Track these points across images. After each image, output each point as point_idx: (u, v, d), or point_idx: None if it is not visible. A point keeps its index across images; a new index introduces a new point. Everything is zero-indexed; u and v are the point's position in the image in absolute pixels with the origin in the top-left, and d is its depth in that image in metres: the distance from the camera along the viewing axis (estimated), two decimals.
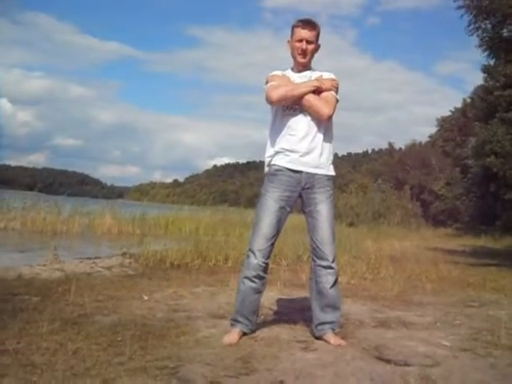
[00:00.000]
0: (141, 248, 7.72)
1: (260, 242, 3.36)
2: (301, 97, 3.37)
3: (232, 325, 3.41)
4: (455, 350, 3.30)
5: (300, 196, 3.45)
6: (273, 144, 3.51)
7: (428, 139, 46.60)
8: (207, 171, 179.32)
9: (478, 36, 11.87)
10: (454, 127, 39.52)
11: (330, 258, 3.40)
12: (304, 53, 3.47)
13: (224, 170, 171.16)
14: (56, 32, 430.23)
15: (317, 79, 3.45)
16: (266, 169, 3.52)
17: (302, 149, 3.38)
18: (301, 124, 3.42)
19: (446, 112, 43.21)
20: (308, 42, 3.46)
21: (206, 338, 3.29)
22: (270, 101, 3.44)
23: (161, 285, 5.44)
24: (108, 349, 2.93)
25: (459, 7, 11.51)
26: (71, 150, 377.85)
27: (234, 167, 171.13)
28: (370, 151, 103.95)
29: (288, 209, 3.45)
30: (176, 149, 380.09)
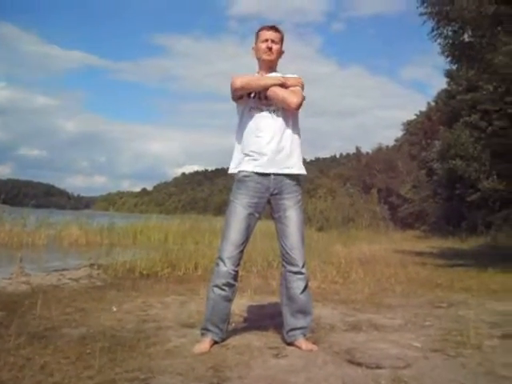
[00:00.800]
0: (109, 258, 7.63)
1: (229, 250, 3.33)
2: (266, 88, 3.40)
3: (202, 334, 3.38)
4: (426, 351, 3.32)
5: (269, 202, 3.43)
6: (240, 146, 3.50)
7: (394, 143, 47.19)
8: (176, 179, 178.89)
9: (440, 43, 12.06)
10: (419, 131, 40.05)
11: (300, 264, 3.39)
12: (270, 50, 3.49)
13: (193, 178, 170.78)
14: (19, 42, 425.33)
15: (282, 77, 3.48)
16: (234, 171, 3.49)
17: (270, 151, 3.37)
18: (268, 125, 3.41)
19: (411, 116, 43.79)
20: (273, 42, 3.50)
21: (176, 348, 3.25)
22: (233, 87, 3.45)
23: (130, 295, 5.37)
24: (76, 362, 2.87)
25: (421, 14, 11.68)
26: (36, 160, 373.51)
27: (203, 175, 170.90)
28: (338, 156, 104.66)
29: (257, 215, 3.43)
30: (144, 158, 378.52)
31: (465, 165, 21.54)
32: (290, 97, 3.39)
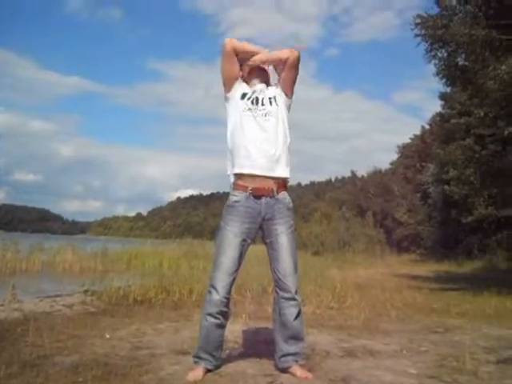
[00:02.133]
0: (103, 284, 7.57)
1: (221, 278, 3.29)
2: (255, 58, 3.57)
3: (195, 362, 3.33)
4: (422, 377, 3.30)
5: (261, 227, 3.41)
6: (232, 158, 3.48)
7: (389, 166, 47.38)
8: (171, 203, 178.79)
9: (435, 64, 12.21)
10: (414, 154, 40.26)
11: (293, 290, 3.36)
12: (258, 67, 3.66)
13: (188, 202, 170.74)
14: (16, 67, 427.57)
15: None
16: (232, 171, 3.49)
17: (262, 169, 3.37)
18: (259, 130, 3.41)
19: (405, 139, 44.08)
20: (262, 69, 3.68)
21: (169, 376, 3.21)
22: (225, 47, 3.50)
23: (123, 322, 5.32)
24: None
25: (416, 35, 11.82)
26: (31, 185, 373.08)
27: (198, 199, 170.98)
28: (333, 179, 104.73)
29: (249, 241, 3.40)
30: (139, 182, 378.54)
31: (459, 188, 21.60)
32: (282, 53, 3.56)
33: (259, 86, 3.60)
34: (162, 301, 6.98)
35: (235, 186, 3.44)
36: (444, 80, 12.87)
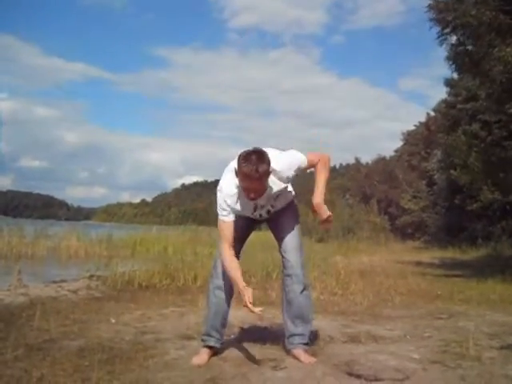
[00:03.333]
0: (108, 270, 7.61)
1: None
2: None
3: (204, 341, 3.35)
4: (425, 362, 3.31)
5: None
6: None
7: (394, 153, 47.25)
8: (175, 190, 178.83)
9: (446, 49, 12.20)
10: (418, 141, 40.12)
11: (295, 265, 3.38)
12: (254, 198, 3.14)
13: (192, 189, 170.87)
14: (20, 53, 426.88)
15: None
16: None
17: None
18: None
19: (410, 126, 43.91)
20: (255, 192, 3.10)
21: (174, 360, 3.23)
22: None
23: (128, 307, 5.35)
24: (74, 374, 2.85)
25: (431, 19, 11.78)
26: (37, 171, 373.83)
27: (203, 185, 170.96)
28: (337, 166, 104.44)
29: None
30: (144, 169, 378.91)
31: (464, 174, 21.54)
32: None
33: (261, 203, 3.31)
34: (167, 286, 7.02)
35: None
36: (453, 65, 12.84)
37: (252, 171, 2.95)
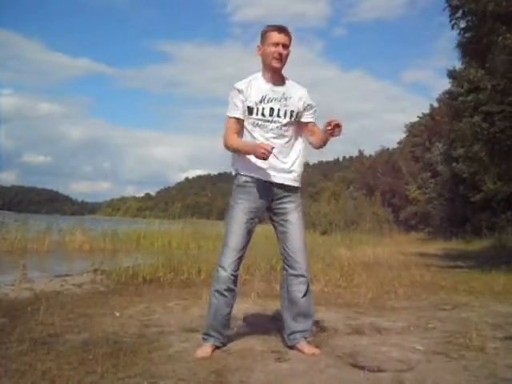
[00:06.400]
0: (112, 264, 7.63)
1: (231, 255, 3.33)
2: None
3: (204, 339, 3.37)
4: (428, 353, 3.32)
5: (269, 206, 3.43)
6: (238, 157, 3.44)
7: (397, 145, 47.17)
8: (179, 184, 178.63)
9: (459, 33, 12.17)
10: (422, 133, 40.05)
11: (303, 267, 3.39)
12: (280, 57, 3.33)
13: (195, 183, 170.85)
14: (25, 49, 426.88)
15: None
16: (237, 170, 3.45)
17: (275, 165, 3.36)
18: (274, 141, 3.33)
19: (413, 118, 43.81)
20: (284, 47, 3.34)
21: (178, 353, 3.25)
22: (225, 146, 3.41)
23: (133, 300, 5.37)
24: (79, 368, 2.87)
25: (446, 1, 11.74)
26: (41, 167, 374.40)
27: (206, 179, 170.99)
28: (341, 159, 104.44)
29: (257, 220, 3.43)
30: (148, 163, 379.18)
31: (467, 165, 21.52)
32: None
33: (279, 90, 3.41)
34: (171, 280, 7.03)
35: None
36: (461, 53, 12.83)
37: (280, 26, 3.37)
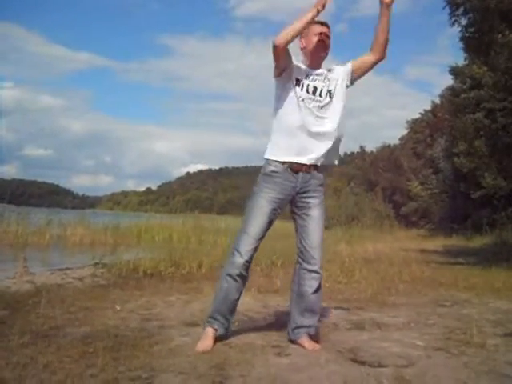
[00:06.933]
0: (113, 257, 7.63)
1: (248, 242, 3.32)
2: (310, 21, 3.27)
3: (208, 322, 3.36)
4: (429, 349, 3.32)
5: (292, 199, 3.43)
6: (275, 138, 3.45)
7: (399, 141, 47.15)
8: (180, 178, 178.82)
9: (457, 31, 12.17)
10: (424, 129, 40.04)
11: (318, 263, 3.40)
12: (324, 44, 3.42)
13: (196, 177, 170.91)
14: (25, 42, 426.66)
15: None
16: (270, 156, 3.43)
17: (306, 160, 3.36)
18: (315, 123, 3.35)
19: (415, 115, 43.80)
20: (327, 36, 3.44)
21: (179, 347, 3.25)
22: (276, 49, 3.25)
23: (133, 294, 5.37)
24: (80, 361, 2.87)
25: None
26: (42, 160, 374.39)
27: (207, 174, 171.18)
28: (342, 155, 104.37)
29: (279, 211, 3.43)
30: (149, 157, 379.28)
31: (468, 161, 21.52)
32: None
33: (319, 71, 3.45)
34: (172, 274, 7.03)
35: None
36: (463, 49, 12.83)
37: (321, 22, 3.43)
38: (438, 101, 38.18)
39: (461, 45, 12.84)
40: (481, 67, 15.88)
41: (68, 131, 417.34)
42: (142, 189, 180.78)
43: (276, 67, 3.37)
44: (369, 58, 3.50)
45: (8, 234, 12.65)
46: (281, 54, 3.28)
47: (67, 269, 7.16)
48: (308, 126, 3.32)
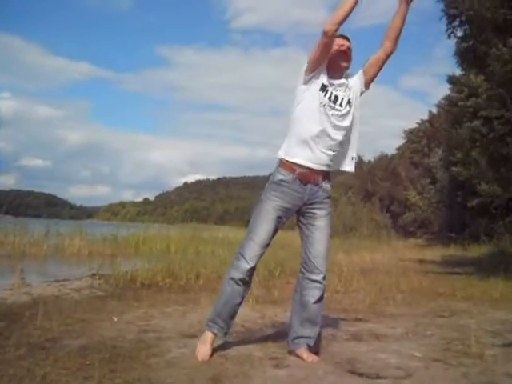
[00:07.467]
0: (111, 268, 7.61)
1: (254, 248, 3.35)
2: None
3: (209, 326, 3.37)
4: (427, 360, 3.31)
5: (298, 210, 3.44)
6: (290, 142, 3.46)
7: (396, 151, 47.20)
8: (178, 189, 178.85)
9: (453, 42, 12.28)
10: (421, 138, 40.15)
11: (321, 273, 3.42)
12: (346, 55, 3.47)
13: (194, 187, 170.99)
14: (24, 53, 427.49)
15: None
16: (282, 156, 3.45)
17: (318, 165, 3.40)
18: (329, 136, 3.38)
19: (412, 124, 43.89)
20: (349, 48, 3.48)
21: (176, 359, 3.23)
22: (327, 35, 3.27)
23: (131, 305, 5.35)
24: (77, 373, 2.86)
25: (443, 10, 11.83)
26: (40, 170, 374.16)
27: (205, 184, 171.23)
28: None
29: (285, 220, 3.45)
30: (146, 167, 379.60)
31: (466, 169, 21.55)
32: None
33: (341, 81, 3.48)
34: (170, 285, 7.02)
35: (282, 165, 3.44)
36: (459, 61, 12.89)
37: (343, 35, 3.46)
38: (434, 110, 38.30)
39: (456, 59, 12.96)
40: (478, 76, 15.94)
41: (65, 142, 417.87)
42: (140, 199, 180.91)
43: (314, 62, 3.38)
44: (380, 54, 3.53)
45: (5, 245, 12.59)
46: (329, 43, 3.33)
47: (64, 280, 7.13)
48: (325, 133, 3.36)
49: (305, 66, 3.42)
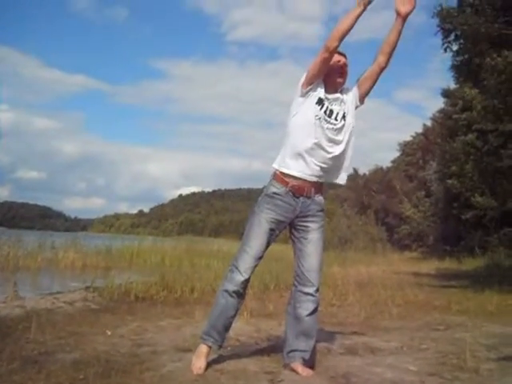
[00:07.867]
0: (105, 281, 7.58)
1: (248, 260, 3.34)
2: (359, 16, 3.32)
3: (203, 339, 3.35)
4: (422, 374, 3.30)
5: (291, 223, 3.45)
6: (285, 153, 3.46)
7: (391, 164, 47.36)
8: (173, 201, 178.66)
9: (449, 56, 12.39)
10: (416, 151, 40.29)
11: (314, 286, 3.40)
12: (342, 71, 3.50)
13: (189, 200, 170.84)
14: (20, 65, 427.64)
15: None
16: (277, 167, 3.46)
17: (311, 177, 3.41)
18: (324, 150, 3.39)
19: (407, 137, 44.07)
20: (345, 65, 3.52)
21: (171, 373, 3.21)
22: (328, 50, 3.31)
23: (125, 319, 5.32)
24: None
25: (438, 25, 11.92)
26: (35, 182, 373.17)
27: (200, 196, 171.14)
28: None
29: (277, 233, 3.45)
30: (142, 179, 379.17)
31: (460, 182, 21.61)
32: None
33: (336, 96, 3.50)
34: (164, 298, 6.97)
35: (276, 177, 3.45)
36: (455, 75, 12.99)
37: (340, 52, 3.48)
38: (429, 123, 38.51)
39: (451, 73, 13.09)
40: (472, 89, 16.04)
41: (61, 153, 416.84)
42: (135, 211, 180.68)
43: (313, 75, 3.40)
44: (374, 68, 3.53)
45: None
46: (329, 58, 3.37)
47: (58, 293, 7.09)
48: (320, 146, 3.37)
49: (303, 79, 3.44)
